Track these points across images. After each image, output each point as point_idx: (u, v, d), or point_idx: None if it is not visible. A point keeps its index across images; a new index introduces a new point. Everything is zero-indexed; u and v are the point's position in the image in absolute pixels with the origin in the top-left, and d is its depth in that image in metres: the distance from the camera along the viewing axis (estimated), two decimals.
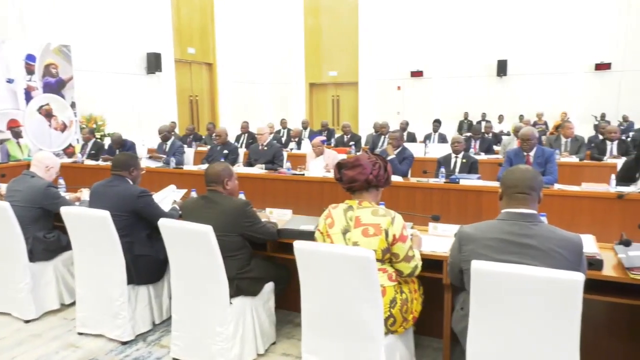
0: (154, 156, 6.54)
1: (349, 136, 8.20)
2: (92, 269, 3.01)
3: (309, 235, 2.83)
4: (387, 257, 2.25)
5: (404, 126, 9.26)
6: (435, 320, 2.69)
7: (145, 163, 6.20)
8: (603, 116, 11.96)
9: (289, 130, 10.25)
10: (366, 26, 14.71)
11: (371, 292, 2.06)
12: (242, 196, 3.49)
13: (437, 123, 9.36)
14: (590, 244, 2.34)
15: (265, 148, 6.03)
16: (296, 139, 8.71)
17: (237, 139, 8.73)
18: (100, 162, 6.45)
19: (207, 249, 2.50)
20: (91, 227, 2.91)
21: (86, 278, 3.05)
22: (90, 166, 6.39)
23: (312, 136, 6.11)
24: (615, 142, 6.53)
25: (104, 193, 3.08)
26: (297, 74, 15.73)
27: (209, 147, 7.14)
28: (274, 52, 15.24)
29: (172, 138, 6.98)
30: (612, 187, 4.15)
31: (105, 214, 2.82)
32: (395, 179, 4.88)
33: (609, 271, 2.26)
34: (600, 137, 7.18)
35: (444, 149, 6.38)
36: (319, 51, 15.67)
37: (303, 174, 5.21)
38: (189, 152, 7.18)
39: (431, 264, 2.53)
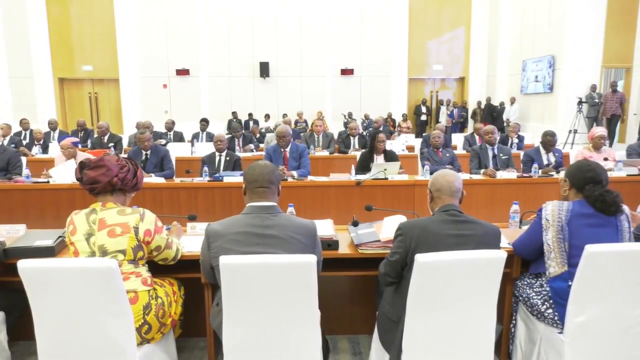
0: None
1: (106, 137, 7.51)
2: None
3: (46, 252, 2.48)
4: (140, 254, 2.16)
5: (170, 125, 8.98)
6: (200, 320, 2.66)
7: None
8: (350, 114, 13.80)
9: (31, 131, 8.80)
10: (124, 19, 13.70)
11: (118, 304, 1.90)
12: None
13: (204, 122, 9.34)
14: (328, 228, 2.63)
15: None
16: (41, 142, 7.55)
17: None
18: None
19: None
20: None
21: None
22: None
23: (61, 137, 5.37)
24: (357, 137, 7.60)
25: None
26: (41, 67, 13.62)
27: None
28: (9, 41, 12.94)
29: None
30: (352, 176, 4.81)
31: None
32: (159, 180, 4.68)
33: (344, 250, 2.58)
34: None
35: (213, 148, 6.41)
36: (69, 43, 13.92)
37: (47, 182, 4.55)
38: None
39: (191, 264, 2.49)
